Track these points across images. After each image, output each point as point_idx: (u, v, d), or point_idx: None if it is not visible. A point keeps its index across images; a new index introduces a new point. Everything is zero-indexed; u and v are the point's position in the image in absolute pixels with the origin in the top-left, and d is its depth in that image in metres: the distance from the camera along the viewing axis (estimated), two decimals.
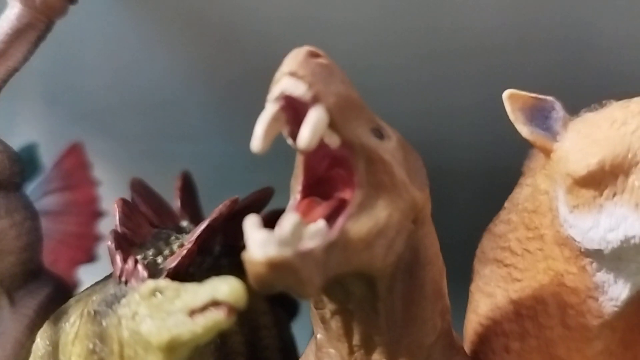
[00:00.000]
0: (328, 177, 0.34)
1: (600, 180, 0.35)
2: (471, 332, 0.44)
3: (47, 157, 0.64)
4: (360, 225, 0.31)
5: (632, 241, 0.34)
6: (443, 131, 0.57)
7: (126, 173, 0.61)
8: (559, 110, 0.39)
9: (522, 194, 0.42)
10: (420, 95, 0.56)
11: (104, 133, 0.66)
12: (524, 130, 0.39)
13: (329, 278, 0.30)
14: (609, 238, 0.35)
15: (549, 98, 0.40)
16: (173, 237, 0.42)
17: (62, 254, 0.59)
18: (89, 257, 0.60)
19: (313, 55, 0.31)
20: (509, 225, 0.43)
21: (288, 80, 0.31)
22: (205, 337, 0.30)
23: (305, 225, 0.30)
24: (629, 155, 0.34)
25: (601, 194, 0.35)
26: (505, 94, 0.39)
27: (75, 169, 0.61)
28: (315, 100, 0.30)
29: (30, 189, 0.58)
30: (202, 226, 0.41)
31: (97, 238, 0.60)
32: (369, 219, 0.32)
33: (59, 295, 0.45)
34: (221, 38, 0.58)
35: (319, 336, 0.36)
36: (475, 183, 0.60)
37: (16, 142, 0.64)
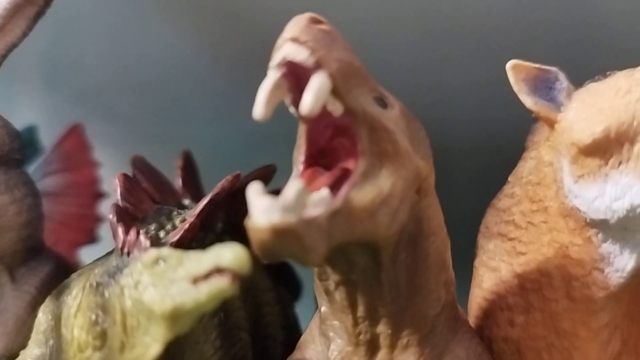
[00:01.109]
0: (331, 148, 0.34)
1: (606, 148, 0.35)
2: (476, 307, 0.44)
3: (47, 138, 0.64)
4: (364, 193, 0.31)
5: (638, 210, 0.34)
6: (446, 107, 0.57)
7: (127, 154, 0.60)
8: (562, 81, 0.39)
9: (525, 167, 0.42)
10: (423, 72, 0.55)
11: (104, 114, 0.65)
12: (528, 100, 0.38)
13: (332, 247, 0.30)
14: (614, 207, 0.35)
15: (553, 69, 0.39)
16: (175, 213, 0.42)
17: (63, 235, 0.58)
18: (90, 239, 0.59)
19: (315, 21, 0.31)
20: (513, 199, 0.42)
21: (290, 46, 0.30)
22: (209, 305, 0.29)
23: (309, 194, 0.29)
24: (634, 123, 0.34)
25: (606, 163, 0.35)
26: (509, 64, 0.39)
27: (75, 150, 0.60)
28: (318, 65, 0.30)
29: (31, 170, 0.58)
30: (205, 201, 0.40)
31: (98, 219, 0.60)
32: (372, 188, 0.31)
33: (60, 273, 0.45)
34: (223, 18, 0.58)
35: (323, 308, 0.36)
36: (479, 159, 0.60)
37: (16, 124, 0.63)
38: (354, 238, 0.31)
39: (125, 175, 0.41)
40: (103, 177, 0.61)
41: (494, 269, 0.43)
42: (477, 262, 0.45)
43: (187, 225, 0.38)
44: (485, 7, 0.52)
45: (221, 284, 0.28)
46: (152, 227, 0.39)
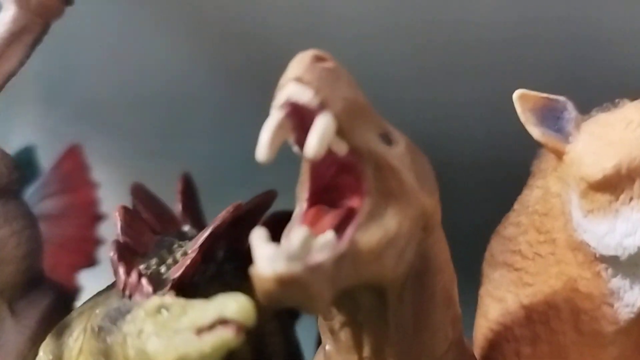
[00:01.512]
0: (335, 185, 0.33)
1: (617, 184, 0.34)
2: (481, 338, 0.43)
3: (46, 159, 0.63)
4: (369, 235, 0.30)
5: None
6: (449, 126, 0.56)
7: (126, 174, 0.60)
8: (571, 111, 0.38)
9: (532, 196, 0.41)
10: (426, 90, 0.55)
11: (102, 134, 0.65)
12: (535, 131, 0.38)
13: (338, 291, 0.29)
14: (625, 244, 0.34)
15: (561, 98, 0.39)
16: (176, 245, 0.41)
17: (62, 258, 0.58)
18: (90, 262, 0.59)
19: (319, 59, 0.30)
20: (519, 228, 0.42)
21: (294, 86, 0.29)
22: (214, 357, 0.29)
23: (313, 238, 0.29)
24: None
25: (617, 199, 0.34)
26: (516, 94, 0.38)
27: (73, 171, 0.60)
28: (323, 106, 0.29)
29: (29, 192, 0.57)
30: (205, 234, 0.40)
31: (97, 242, 0.59)
32: (378, 229, 0.31)
33: (60, 305, 0.45)
34: (223, 36, 0.57)
35: (327, 347, 0.36)
36: (482, 180, 0.60)
37: (13, 145, 0.63)
38: (361, 281, 0.31)
39: (125, 208, 0.40)
40: (102, 198, 0.61)
41: (500, 299, 0.42)
42: (482, 292, 0.44)
43: (188, 262, 0.37)
44: (489, 24, 0.52)
45: (226, 336, 0.28)
46: (153, 261, 0.38)
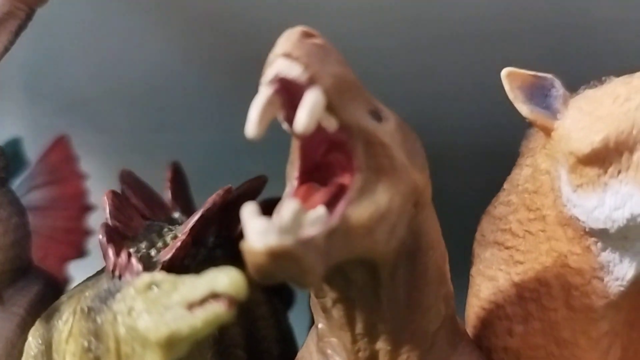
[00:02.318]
0: (325, 163, 0.33)
1: (605, 158, 0.34)
2: (473, 317, 0.43)
3: (32, 151, 0.63)
4: (361, 210, 0.30)
5: (639, 219, 0.34)
6: (441, 114, 0.56)
7: (114, 165, 0.59)
8: (558, 88, 0.38)
9: (521, 174, 0.41)
10: (418, 79, 0.55)
11: (90, 125, 0.64)
12: (524, 108, 0.38)
13: (330, 266, 0.29)
14: (614, 217, 0.34)
15: (548, 76, 0.39)
16: (166, 229, 0.41)
17: (51, 250, 0.57)
18: (79, 253, 0.58)
19: (307, 35, 0.30)
20: (509, 207, 0.42)
21: (282, 61, 0.29)
22: (206, 331, 0.29)
23: (305, 212, 0.29)
24: (634, 132, 0.34)
25: (606, 172, 0.35)
26: (504, 72, 0.38)
27: (61, 162, 0.59)
28: (312, 81, 0.29)
29: (16, 184, 0.57)
30: (196, 217, 0.39)
31: (86, 233, 0.59)
32: (370, 204, 0.31)
33: (49, 293, 0.44)
34: (211, 26, 0.57)
35: (320, 325, 0.36)
36: (474, 166, 0.60)
37: (0, 137, 0.62)
38: (352, 256, 0.31)
39: (114, 192, 0.40)
40: (90, 189, 0.60)
41: (492, 278, 0.42)
42: (473, 271, 0.44)
43: (178, 244, 0.37)
44: (480, 14, 0.52)
45: (217, 310, 0.28)
46: (143, 245, 0.38)
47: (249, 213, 0.27)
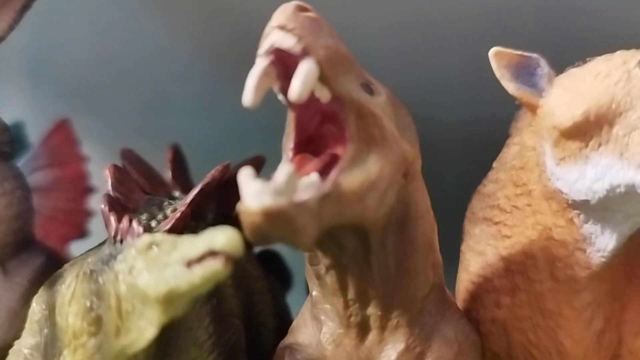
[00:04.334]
0: (319, 135, 0.35)
1: (586, 131, 0.36)
2: (463, 290, 0.45)
3: (35, 134, 0.64)
4: (352, 178, 0.32)
5: (618, 190, 0.35)
6: (433, 94, 0.58)
7: (115, 148, 0.60)
8: (544, 67, 0.40)
9: (509, 152, 0.43)
10: (410, 59, 0.56)
11: (91, 108, 0.65)
12: (510, 87, 0.39)
13: (322, 230, 0.31)
14: (595, 188, 0.36)
15: (534, 55, 0.40)
16: (166, 203, 0.42)
17: (53, 230, 0.58)
18: (80, 233, 0.59)
19: (301, 9, 0.32)
20: (498, 184, 0.43)
21: (277, 33, 0.31)
22: (204, 288, 0.30)
23: (299, 178, 0.30)
24: (613, 106, 0.35)
25: (587, 145, 0.36)
26: (491, 51, 0.40)
27: (63, 145, 0.60)
28: (305, 52, 0.31)
29: (19, 166, 0.58)
30: (196, 190, 0.41)
31: (87, 214, 0.60)
32: (361, 172, 0.32)
33: (51, 265, 0.45)
34: (207, 9, 0.58)
35: (314, 293, 0.37)
36: (467, 147, 0.61)
37: None
38: (344, 221, 0.32)
39: (115, 166, 0.41)
40: (91, 172, 0.62)
41: (480, 253, 0.43)
42: (463, 247, 0.45)
43: (178, 214, 0.38)
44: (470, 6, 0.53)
45: (215, 267, 0.29)
46: (144, 217, 0.39)
47: (246, 176, 0.29)
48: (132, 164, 0.46)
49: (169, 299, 0.30)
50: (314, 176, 0.31)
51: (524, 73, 0.40)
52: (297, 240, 0.29)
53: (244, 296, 0.44)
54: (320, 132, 0.35)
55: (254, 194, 0.28)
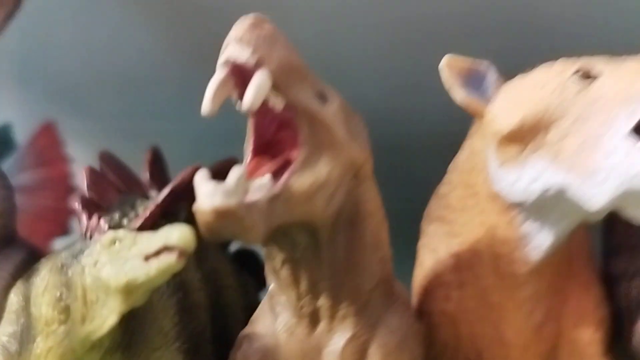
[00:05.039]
0: (277, 140, 0.38)
1: (523, 137, 0.39)
2: (417, 285, 0.47)
3: (22, 135, 0.67)
4: (302, 180, 0.35)
5: (551, 191, 0.38)
6: (402, 98, 0.60)
7: (99, 149, 0.63)
8: (492, 75, 0.42)
9: (461, 156, 0.46)
10: (384, 65, 0.58)
11: (76, 110, 0.68)
12: (458, 94, 0.42)
13: (272, 227, 0.34)
14: (530, 190, 0.39)
15: (485, 62, 0.43)
16: (139, 202, 0.45)
17: (38, 227, 0.61)
18: (64, 230, 0.62)
19: (258, 22, 0.34)
20: (450, 185, 0.46)
21: (234, 46, 0.34)
22: (160, 279, 0.33)
23: (250, 180, 0.33)
24: (548, 114, 0.38)
25: (524, 150, 0.39)
26: (443, 60, 0.42)
27: (48, 146, 0.63)
28: (259, 64, 0.33)
29: (6, 166, 0.61)
30: (166, 190, 0.44)
31: (71, 212, 0.62)
32: (311, 175, 0.35)
33: (33, 261, 0.48)
34: (192, 18, 0.61)
35: (271, 285, 0.40)
36: (434, 157, 0.64)
37: None
38: (294, 219, 0.35)
39: (91, 168, 0.44)
40: (76, 172, 0.64)
41: (433, 250, 0.46)
42: (419, 244, 0.48)
43: (147, 213, 0.41)
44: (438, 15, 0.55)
45: (169, 260, 0.32)
46: (117, 215, 0.42)
47: (201, 177, 0.32)
48: (109, 165, 0.48)
49: (128, 290, 0.33)
50: (266, 178, 0.34)
51: (474, 80, 0.43)
52: (246, 237, 0.32)
53: (212, 289, 0.47)
54: (278, 137, 0.37)
55: (207, 195, 0.31)
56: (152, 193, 0.52)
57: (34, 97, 0.68)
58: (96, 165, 0.52)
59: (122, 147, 0.63)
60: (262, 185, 0.33)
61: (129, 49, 0.63)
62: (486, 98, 0.42)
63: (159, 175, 0.54)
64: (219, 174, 0.51)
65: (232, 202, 0.31)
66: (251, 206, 0.32)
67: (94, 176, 0.43)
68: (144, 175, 0.54)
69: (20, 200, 0.53)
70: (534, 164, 0.38)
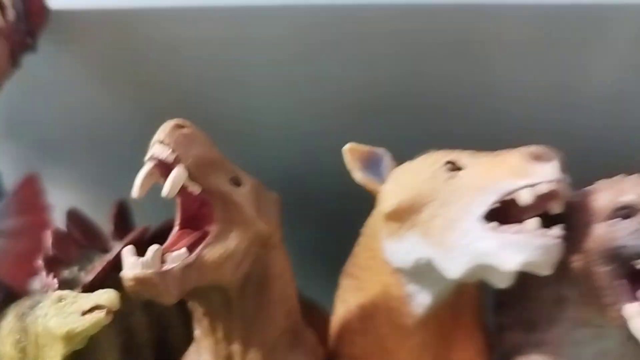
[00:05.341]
0: (200, 215, 0.46)
1: (402, 215, 0.47)
2: (332, 331, 0.55)
3: (8, 184, 0.75)
4: (214, 251, 0.43)
5: (422, 261, 0.46)
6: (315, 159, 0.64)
7: (79, 198, 0.72)
8: (387, 160, 0.51)
9: (370, 221, 0.54)
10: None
11: (57, 165, 0.77)
12: (357, 176, 0.50)
13: (188, 289, 0.42)
14: (407, 259, 0.47)
15: (380, 149, 0.51)
16: (97, 257, 0.53)
17: (19, 268, 0.69)
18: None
19: (178, 126, 0.43)
20: (360, 247, 0.54)
21: (157, 146, 0.42)
22: (93, 330, 0.43)
23: (170, 252, 0.41)
24: (420, 197, 0.46)
25: (402, 226, 0.47)
26: (345, 147, 0.51)
27: (31, 196, 0.71)
28: (177, 161, 0.42)
29: None
30: (116, 250, 0.52)
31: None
32: (221, 247, 0.43)
33: (10, 301, 0.56)
34: (149, 86, 0.70)
35: (195, 332, 0.48)
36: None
37: None
38: (207, 283, 0.43)
39: (56, 230, 0.52)
40: (56, 219, 0.73)
41: (345, 301, 0.54)
42: (336, 296, 0.56)
43: (98, 269, 0.49)
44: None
45: (99, 316, 0.42)
46: (76, 268, 0.51)
47: (126, 252, 0.40)
48: (74, 222, 0.57)
49: (68, 337, 0.43)
50: (182, 250, 0.42)
51: (373, 164, 0.51)
52: (161, 299, 0.41)
53: (159, 330, 0.55)
54: (201, 212, 0.46)
55: (129, 266, 0.40)
56: (115, 246, 0.60)
57: (21, 149, 0.77)
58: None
59: (96, 195, 0.71)
60: (178, 256, 0.42)
61: (98, 110, 0.71)
62: (382, 179, 0.50)
63: (123, 228, 0.63)
64: (168, 231, 0.60)
65: (148, 271, 0.40)
66: (165, 274, 0.40)
67: (58, 235, 0.52)
68: (109, 229, 0.62)
69: (4, 244, 0.62)
70: (409, 239, 0.46)
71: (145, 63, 0.66)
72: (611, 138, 0.66)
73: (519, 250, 0.42)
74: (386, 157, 0.51)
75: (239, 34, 0.60)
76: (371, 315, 0.51)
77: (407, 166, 0.49)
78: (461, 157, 0.47)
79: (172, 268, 0.41)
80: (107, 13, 0.63)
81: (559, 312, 0.48)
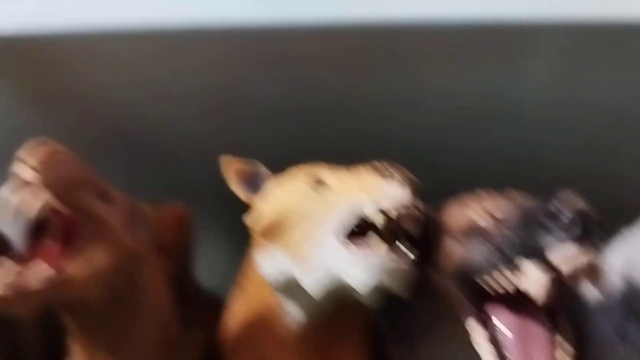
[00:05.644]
0: (67, 228, 0.47)
1: (271, 234, 0.48)
2: (222, 339, 0.55)
3: None
4: (78, 267, 0.44)
5: (289, 277, 0.47)
6: None
7: None
8: (264, 173, 0.52)
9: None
10: None
11: None
12: (235, 187, 0.52)
13: (47, 304, 0.43)
14: (273, 275, 0.48)
15: (256, 162, 0.52)
16: None
17: None
18: None
19: (42, 145, 0.44)
20: (247, 257, 0.54)
21: (22, 167, 0.43)
22: None
23: (33, 268, 0.43)
24: (288, 216, 0.47)
25: (271, 242, 0.48)
26: (222, 160, 0.52)
27: None
28: (40, 181, 0.43)
29: None
30: None
31: None
32: (85, 263, 0.44)
33: None
34: (83, 111, 0.69)
35: (71, 340, 0.50)
36: None
37: None
38: (71, 296, 0.45)
39: None
40: None
41: (231, 310, 0.54)
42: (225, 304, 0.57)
43: None
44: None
45: None
46: None
47: None
48: None
49: None
50: (44, 266, 0.44)
51: (252, 177, 0.52)
52: (22, 314, 0.42)
53: (9, 345, 0.56)
54: (68, 226, 0.47)
55: None
56: None
57: None
58: None
59: None
60: (39, 272, 0.43)
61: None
62: (258, 191, 0.52)
63: None
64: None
65: (6, 290, 0.41)
66: (24, 291, 0.42)
67: None
68: None
69: None
70: (276, 254, 0.48)
71: (71, 88, 0.66)
72: (540, 147, 0.66)
73: (368, 270, 0.42)
74: (262, 170, 0.53)
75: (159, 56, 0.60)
76: (257, 326, 0.52)
77: (280, 182, 0.50)
78: (328, 175, 0.48)
79: (30, 285, 0.42)
80: (28, 40, 0.62)
81: (434, 326, 0.49)
